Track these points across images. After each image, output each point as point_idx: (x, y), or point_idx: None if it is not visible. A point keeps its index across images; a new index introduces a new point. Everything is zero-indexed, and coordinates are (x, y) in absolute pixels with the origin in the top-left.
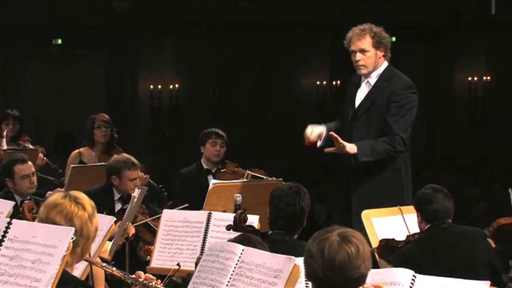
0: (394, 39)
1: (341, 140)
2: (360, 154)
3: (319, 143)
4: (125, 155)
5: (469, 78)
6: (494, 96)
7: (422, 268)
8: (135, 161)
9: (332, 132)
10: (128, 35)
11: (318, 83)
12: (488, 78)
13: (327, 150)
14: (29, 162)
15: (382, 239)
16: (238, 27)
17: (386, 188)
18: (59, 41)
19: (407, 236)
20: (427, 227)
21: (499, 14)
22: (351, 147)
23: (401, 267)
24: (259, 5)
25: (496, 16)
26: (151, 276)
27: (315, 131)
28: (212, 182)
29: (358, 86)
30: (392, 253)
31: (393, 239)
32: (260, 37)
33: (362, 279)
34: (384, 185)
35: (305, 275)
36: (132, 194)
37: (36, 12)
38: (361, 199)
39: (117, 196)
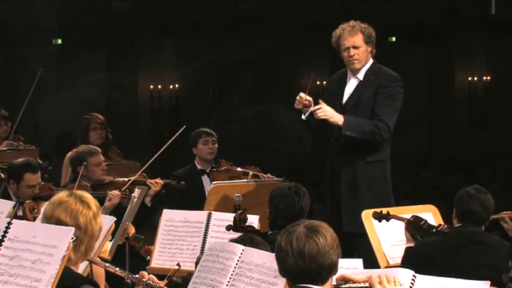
0: (394, 39)
1: (325, 107)
2: (345, 127)
3: (305, 115)
4: (84, 145)
5: (469, 78)
6: (494, 96)
7: (440, 266)
8: (95, 147)
9: (320, 102)
10: (128, 35)
11: (318, 83)
12: (488, 78)
13: (314, 108)
14: (39, 173)
15: (413, 215)
16: (238, 27)
17: (374, 179)
18: (59, 41)
19: (439, 224)
20: (458, 225)
21: (499, 14)
22: (338, 118)
23: (417, 259)
24: (259, 5)
25: (496, 16)
26: (155, 278)
27: (308, 97)
28: (213, 182)
29: (344, 82)
30: (419, 231)
31: (425, 220)
32: (260, 37)
33: (333, 266)
34: (372, 176)
35: (279, 271)
36: (132, 194)
37: (36, 12)
38: (350, 191)
39: None
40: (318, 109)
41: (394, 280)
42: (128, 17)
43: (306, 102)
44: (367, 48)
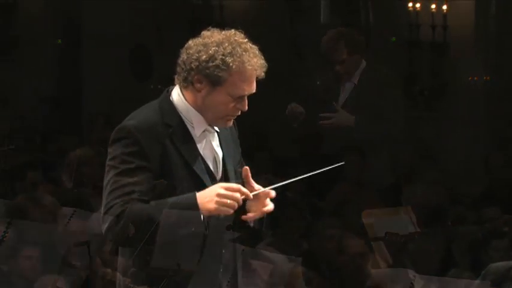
0: (394, 39)
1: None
2: (358, 130)
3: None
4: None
5: (469, 78)
6: (494, 96)
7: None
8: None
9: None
10: None
11: (318, 83)
12: (488, 78)
13: (323, 115)
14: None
15: (387, 232)
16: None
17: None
18: (59, 41)
19: (411, 233)
20: (423, 230)
21: (499, 14)
22: (348, 119)
23: None
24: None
25: (496, 16)
26: None
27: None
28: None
29: (338, 84)
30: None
31: (397, 233)
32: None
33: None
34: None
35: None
36: None
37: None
38: None
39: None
40: (325, 119)
41: None
42: None
43: (300, 112)
44: (353, 58)
